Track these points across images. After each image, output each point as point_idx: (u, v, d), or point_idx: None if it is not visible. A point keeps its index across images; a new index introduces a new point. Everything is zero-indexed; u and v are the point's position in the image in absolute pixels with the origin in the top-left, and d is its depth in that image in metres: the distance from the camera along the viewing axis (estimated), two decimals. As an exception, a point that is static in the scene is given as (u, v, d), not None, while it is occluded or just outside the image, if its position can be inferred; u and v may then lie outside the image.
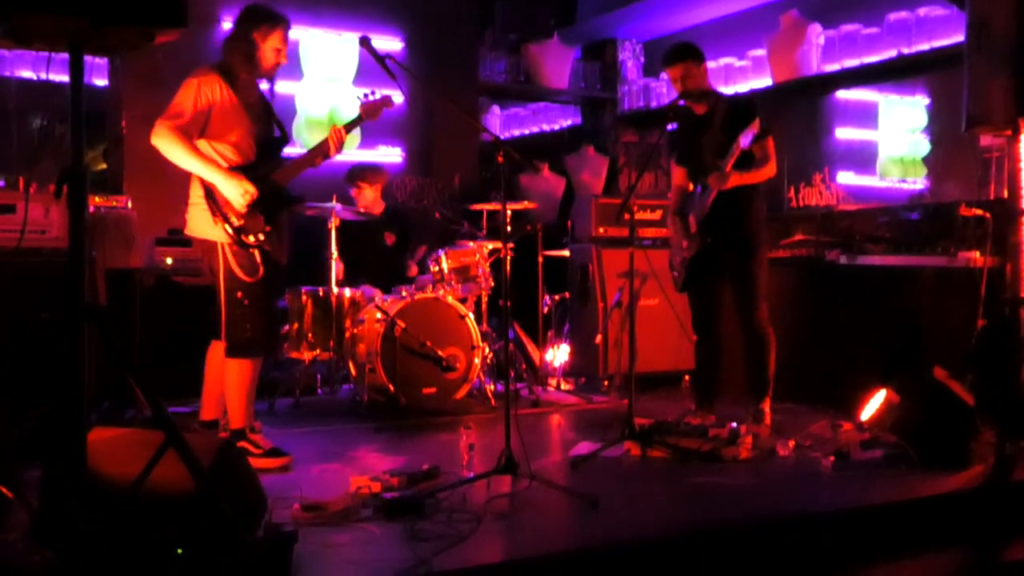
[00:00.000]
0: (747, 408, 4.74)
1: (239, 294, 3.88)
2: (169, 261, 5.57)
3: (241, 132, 3.93)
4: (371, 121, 4.35)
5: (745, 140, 4.45)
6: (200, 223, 3.92)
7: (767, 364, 4.73)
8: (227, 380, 3.98)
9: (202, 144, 3.87)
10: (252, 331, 3.92)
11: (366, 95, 4.32)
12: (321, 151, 4.13)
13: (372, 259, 6.22)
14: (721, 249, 4.70)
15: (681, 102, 4.75)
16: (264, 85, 4.08)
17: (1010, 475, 3.77)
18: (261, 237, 3.90)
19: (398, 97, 4.55)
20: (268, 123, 4.08)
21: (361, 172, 6.26)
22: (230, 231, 3.85)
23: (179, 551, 2.46)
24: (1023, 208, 4.49)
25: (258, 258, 3.90)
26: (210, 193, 3.86)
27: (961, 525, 3.54)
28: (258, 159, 3.98)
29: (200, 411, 4.12)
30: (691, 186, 4.87)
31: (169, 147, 3.78)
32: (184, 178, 3.95)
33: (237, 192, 3.83)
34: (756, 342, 4.73)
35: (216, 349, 4.02)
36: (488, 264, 5.70)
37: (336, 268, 5.57)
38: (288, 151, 4.32)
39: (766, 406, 4.72)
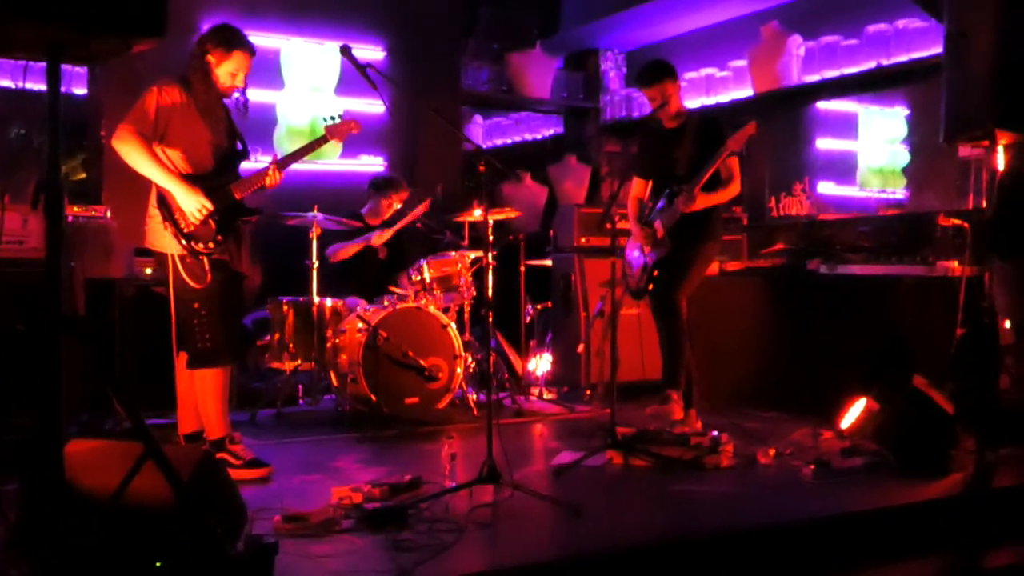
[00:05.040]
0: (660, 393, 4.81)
1: (195, 304, 3.89)
2: (149, 271, 5.52)
3: (198, 142, 3.94)
4: (337, 141, 4.44)
5: (736, 144, 4.54)
6: (155, 234, 3.94)
7: (678, 353, 4.77)
8: (198, 392, 3.98)
9: (157, 150, 3.88)
10: (212, 341, 3.91)
11: (332, 118, 4.39)
12: (260, 180, 4.06)
13: (362, 272, 6.16)
14: (683, 250, 4.80)
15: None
16: (236, 95, 4.08)
17: (990, 482, 3.79)
18: (211, 245, 3.91)
19: (377, 107, 4.58)
20: (229, 136, 4.09)
21: (398, 184, 6.23)
22: (180, 238, 3.85)
23: (158, 564, 2.44)
24: (1001, 217, 4.54)
25: (207, 265, 3.90)
26: (163, 200, 3.87)
27: (942, 532, 3.55)
28: (215, 170, 3.99)
29: (179, 424, 4.10)
30: (648, 198, 5.01)
31: (130, 151, 3.80)
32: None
33: (194, 205, 3.85)
34: (669, 326, 4.79)
35: (182, 361, 4.01)
36: (470, 273, 5.70)
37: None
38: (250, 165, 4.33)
39: (675, 394, 4.77)
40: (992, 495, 3.77)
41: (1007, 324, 4.46)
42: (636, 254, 4.99)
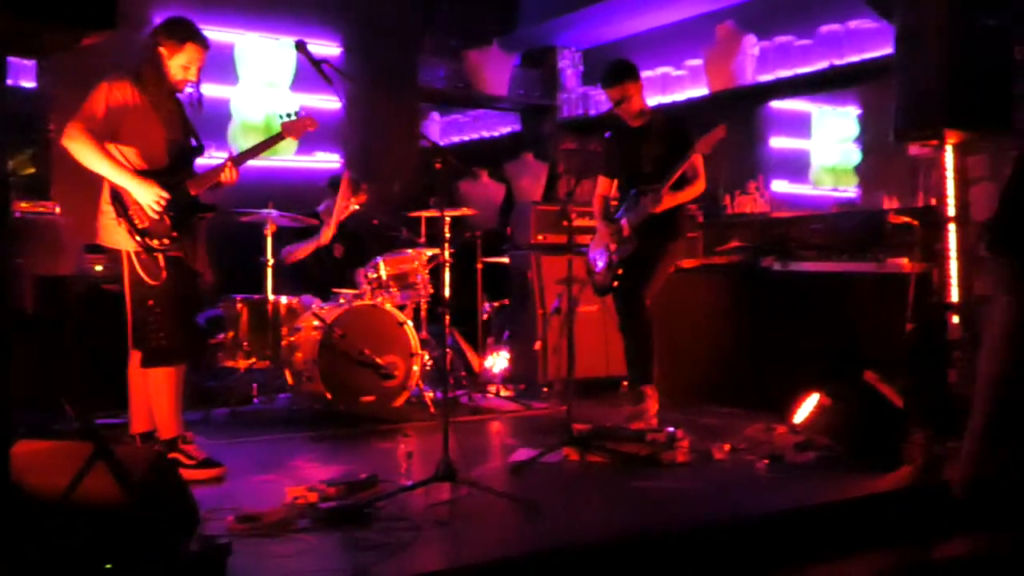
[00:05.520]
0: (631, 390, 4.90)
1: (150, 302, 3.83)
2: (99, 268, 5.43)
3: (151, 138, 3.89)
4: (293, 139, 4.39)
5: (705, 146, 4.60)
6: (107, 231, 3.88)
7: (649, 350, 4.85)
8: (151, 390, 3.92)
9: (110, 148, 3.82)
10: (167, 339, 3.86)
11: (288, 115, 4.33)
12: (216, 176, 4.02)
13: (316, 270, 6.11)
14: (649, 248, 4.84)
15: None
16: (189, 89, 4.03)
17: (940, 474, 3.86)
18: (167, 242, 3.86)
19: (334, 103, 4.54)
20: (183, 131, 4.04)
21: (356, 186, 6.17)
22: (135, 234, 3.80)
23: (108, 566, 2.40)
24: (950, 215, 4.63)
25: (162, 262, 3.85)
26: (117, 197, 3.81)
27: (893, 524, 3.61)
28: (169, 166, 3.94)
29: (131, 424, 4.03)
30: (614, 199, 5.03)
31: (81, 149, 3.74)
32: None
33: (150, 197, 3.79)
34: (637, 322, 4.84)
35: (135, 359, 3.95)
36: (427, 271, 5.68)
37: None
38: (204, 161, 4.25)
39: (649, 389, 4.86)
40: (942, 487, 3.83)
41: (955, 319, 4.54)
42: (601, 252, 5.02)
